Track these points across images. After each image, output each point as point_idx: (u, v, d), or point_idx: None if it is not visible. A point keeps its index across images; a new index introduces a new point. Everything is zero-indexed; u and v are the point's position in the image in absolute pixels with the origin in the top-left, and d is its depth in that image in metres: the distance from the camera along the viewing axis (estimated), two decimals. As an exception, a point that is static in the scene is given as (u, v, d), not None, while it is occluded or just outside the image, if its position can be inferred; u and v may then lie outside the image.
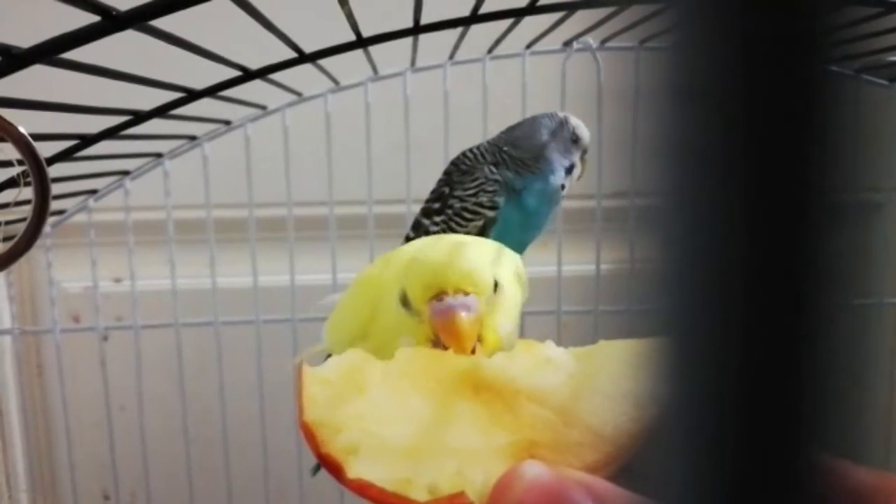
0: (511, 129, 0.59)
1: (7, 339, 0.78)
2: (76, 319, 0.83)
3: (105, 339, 0.70)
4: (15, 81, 0.30)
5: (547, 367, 0.25)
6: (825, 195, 0.10)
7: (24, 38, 0.30)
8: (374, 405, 0.23)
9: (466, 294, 0.32)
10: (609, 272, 0.66)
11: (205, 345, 0.71)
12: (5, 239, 0.36)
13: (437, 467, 0.20)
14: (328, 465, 0.21)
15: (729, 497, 0.10)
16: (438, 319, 0.32)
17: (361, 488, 0.20)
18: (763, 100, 0.10)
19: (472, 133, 0.62)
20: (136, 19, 0.29)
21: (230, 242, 0.75)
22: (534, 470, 0.18)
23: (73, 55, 0.30)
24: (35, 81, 0.34)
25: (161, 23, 0.31)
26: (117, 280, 0.81)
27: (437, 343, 0.33)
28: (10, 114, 0.32)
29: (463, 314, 0.32)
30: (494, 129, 0.60)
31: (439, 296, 0.32)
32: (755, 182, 0.10)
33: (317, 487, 0.72)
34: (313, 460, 0.61)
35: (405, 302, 0.34)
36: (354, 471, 0.20)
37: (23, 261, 0.35)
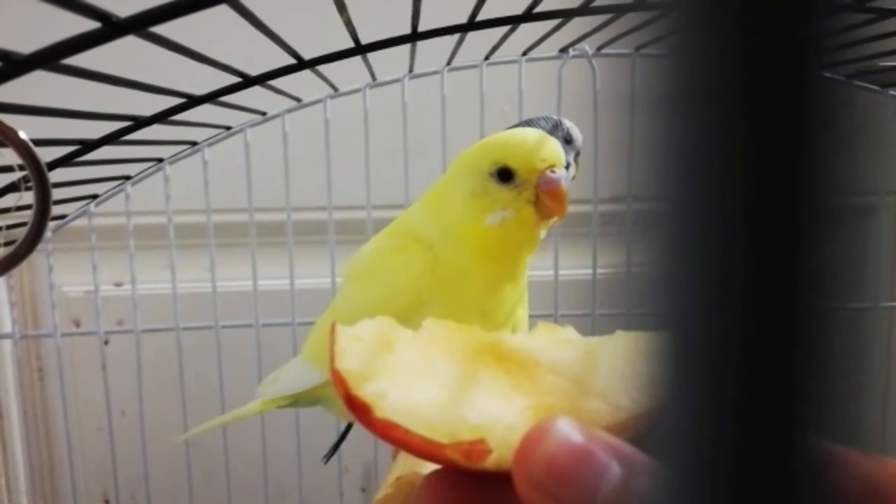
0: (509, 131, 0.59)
1: (8, 343, 0.79)
2: (77, 323, 0.83)
3: (106, 342, 0.70)
4: (16, 87, 0.30)
5: (566, 345, 0.26)
6: (820, 199, 0.10)
7: (25, 44, 0.30)
8: (401, 362, 0.23)
9: (563, 169, 0.41)
10: (606, 276, 0.66)
11: (205, 348, 0.71)
12: (6, 243, 0.37)
13: (460, 420, 0.21)
14: (356, 407, 0.21)
15: (729, 487, 0.11)
16: (551, 188, 0.40)
17: (386, 428, 0.21)
18: (757, 105, 0.10)
19: (470, 139, 0.62)
20: (137, 26, 0.30)
21: (230, 247, 0.76)
22: (566, 427, 0.19)
23: (73, 61, 0.31)
24: (36, 87, 0.34)
25: (161, 29, 0.31)
26: (118, 284, 0.82)
27: (537, 208, 0.40)
28: (11, 119, 0.32)
29: (563, 184, 0.40)
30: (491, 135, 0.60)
31: (551, 168, 0.40)
32: (750, 186, 0.10)
33: (317, 490, 0.72)
34: (313, 462, 0.62)
35: (506, 177, 0.40)
36: (382, 412, 0.21)
37: (24, 265, 0.35)
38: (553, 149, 0.41)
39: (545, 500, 0.18)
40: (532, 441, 0.19)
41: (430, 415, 0.21)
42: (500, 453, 0.20)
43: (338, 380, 0.22)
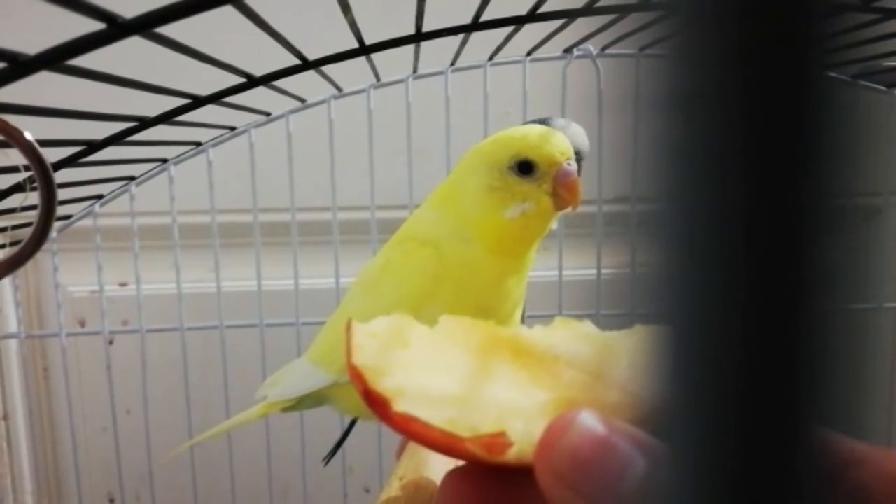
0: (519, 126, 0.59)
1: (13, 343, 0.79)
2: (82, 323, 0.83)
3: (110, 342, 0.70)
4: (22, 88, 0.30)
5: (585, 339, 0.25)
6: (824, 199, 0.10)
7: (31, 45, 0.30)
8: (418, 358, 0.23)
9: (574, 161, 0.42)
10: (610, 277, 0.66)
11: (209, 348, 0.71)
12: (12, 243, 0.37)
13: (479, 413, 0.21)
14: (374, 401, 0.21)
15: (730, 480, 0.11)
16: (568, 180, 0.41)
17: (406, 422, 0.21)
18: (761, 105, 0.10)
19: (474, 139, 0.62)
20: (142, 26, 0.30)
21: (234, 247, 0.76)
22: (589, 419, 0.18)
23: (79, 62, 0.31)
24: (41, 88, 0.34)
25: (166, 30, 0.31)
26: (123, 284, 0.82)
27: (554, 199, 0.41)
28: (16, 120, 0.33)
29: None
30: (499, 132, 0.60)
31: (567, 161, 0.42)
32: (754, 187, 0.10)
33: (320, 491, 0.72)
34: (317, 462, 0.62)
35: (526, 170, 0.41)
36: (400, 405, 0.21)
37: (29, 265, 0.35)
38: (566, 142, 0.42)
39: (568, 493, 0.18)
40: (555, 433, 0.18)
41: (449, 408, 0.21)
42: (521, 446, 0.20)
43: (355, 375, 0.22)
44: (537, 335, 0.26)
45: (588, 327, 0.27)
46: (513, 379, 0.23)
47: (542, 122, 0.57)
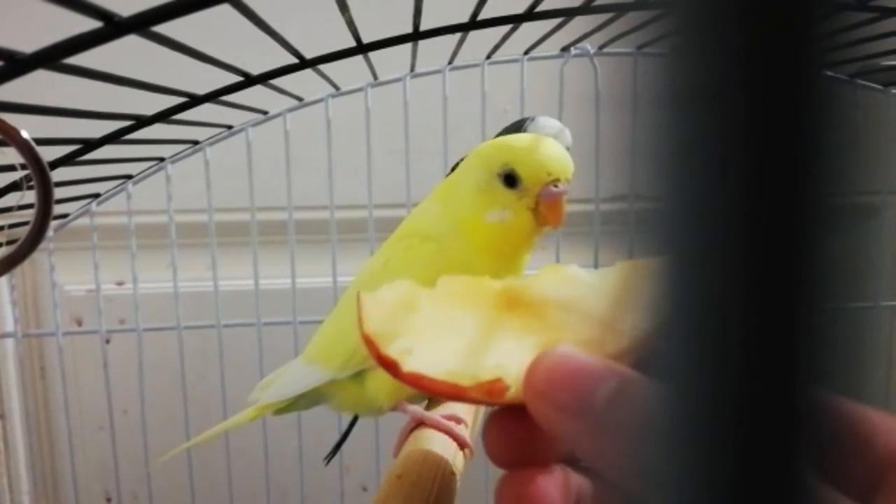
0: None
1: (10, 342, 0.79)
2: (79, 322, 0.83)
3: (107, 341, 0.70)
4: (18, 86, 0.30)
5: (572, 281, 0.28)
6: (822, 198, 0.10)
7: (28, 43, 0.30)
8: (423, 320, 0.26)
9: (568, 183, 0.42)
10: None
11: (206, 347, 0.71)
12: (9, 242, 0.37)
13: (479, 363, 0.23)
14: (385, 364, 0.24)
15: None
16: (552, 201, 0.41)
17: (415, 379, 0.23)
18: (759, 104, 0.10)
19: (471, 138, 0.62)
20: (139, 25, 0.30)
21: (232, 246, 0.76)
22: (563, 350, 0.21)
23: (75, 60, 0.31)
24: (38, 86, 0.34)
25: (163, 28, 0.31)
26: (120, 283, 0.82)
27: (535, 214, 0.41)
28: (13, 118, 0.32)
29: (565, 198, 0.41)
30: (493, 135, 0.60)
31: (554, 182, 0.41)
32: (752, 186, 0.10)
33: (318, 490, 0.72)
34: (315, 461, 0.62)
35: (511, 181, 0.41)
36: (409, 366, 0.23)
37: (26, 264, 0.35)
38: (561, 164, 0.42)
39: (548, 407, 0.20)
40: (537, 360, 0.21)
41: (452, 362, 0.23)
42: (516, 389, 0.22)
43: (367, 342, 0.24)
44: (528, 283, 0.28)
45: (574, 270, 0.29)
46: (508, 328, 0.26)
47: (521, 123, 0.57)
